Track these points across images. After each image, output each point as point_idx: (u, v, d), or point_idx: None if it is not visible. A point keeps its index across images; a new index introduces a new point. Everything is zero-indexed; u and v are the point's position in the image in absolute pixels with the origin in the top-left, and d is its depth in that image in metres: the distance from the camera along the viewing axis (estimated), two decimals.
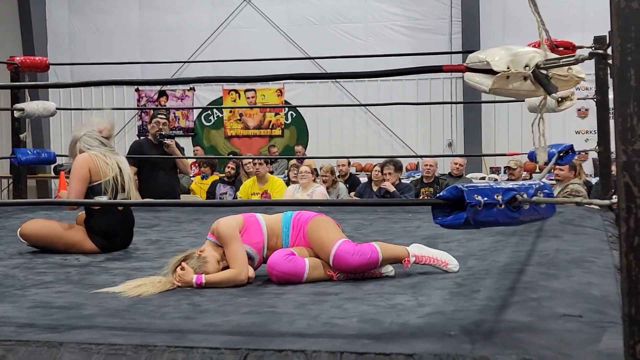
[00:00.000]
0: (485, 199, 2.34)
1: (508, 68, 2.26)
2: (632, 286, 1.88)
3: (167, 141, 7.17)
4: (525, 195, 2.37)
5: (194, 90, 14.01)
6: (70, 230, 4.55)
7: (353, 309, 2.99)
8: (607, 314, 2.76)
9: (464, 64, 2.39)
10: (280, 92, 13.79)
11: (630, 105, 1.82)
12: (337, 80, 13.47)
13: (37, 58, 6.71)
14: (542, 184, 2.43)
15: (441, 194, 2.42)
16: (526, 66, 2.28)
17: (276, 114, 13.94)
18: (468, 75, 2.37)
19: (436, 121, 13.45)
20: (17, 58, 6.47)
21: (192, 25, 13.74)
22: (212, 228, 3.69)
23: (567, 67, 2.31)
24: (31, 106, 6.48)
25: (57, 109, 6.73)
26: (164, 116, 7.49)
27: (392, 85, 13.23)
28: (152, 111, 13.84)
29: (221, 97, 13.90)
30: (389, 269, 3.64)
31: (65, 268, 4.04)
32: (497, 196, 2.35)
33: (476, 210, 2.34)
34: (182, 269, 3.52)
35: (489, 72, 2.30)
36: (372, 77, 2.63)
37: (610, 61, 1.89)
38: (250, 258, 3.63)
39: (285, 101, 13.67)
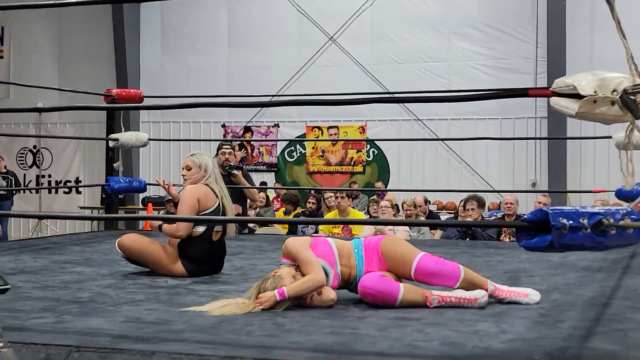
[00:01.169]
0: (571, 222, 2.35)
1: (595, 92, 2.28)
2: None
3: (235, 172, 7.35)
4: (611, 220, 2.36)
5: (278, 127, 14.27)
6: (164, 250, 4.68)
7: (435, 333, 3.01)
8: None
9: (551, 89, 2.42)
10: (363, 129, 13.91)
11: None
12: (420, 118, 13.49)
13: (132, 90, 7.01)
14: (629, 209, 2.42)
15: (526, 216, 2.44)
16: (614, 91, 2.29)
17: (358, 151, 14.04)
18: (554, 99, 2.40)
19: (520, 161, 13.28)
20: (114, 91, 6.78)
21: (277, 64, 14.05)
22: (283, 251, 3.78)
23: None
24: (125, 136, 6.77)
25: (149, 139, 6.99)
26: (229, 146, 7.67)
27: (475, 124, 13.16)
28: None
29: (304, 133, 14.10)
30: (482, 298, 3.59)
31: (155, 289, 4.18)
32: (583, 220, 2.35)
33: (561, 234, 2.35)
34: (260, 292, 3.58)
35: (576, 96, 2.32)
36: (451, 101, 2.68)
37: None
38: (324, 272, 3.67)
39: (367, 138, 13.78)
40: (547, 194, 9.66)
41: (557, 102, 2.39)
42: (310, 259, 3.65)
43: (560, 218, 2.35)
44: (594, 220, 2.36)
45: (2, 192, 11.72)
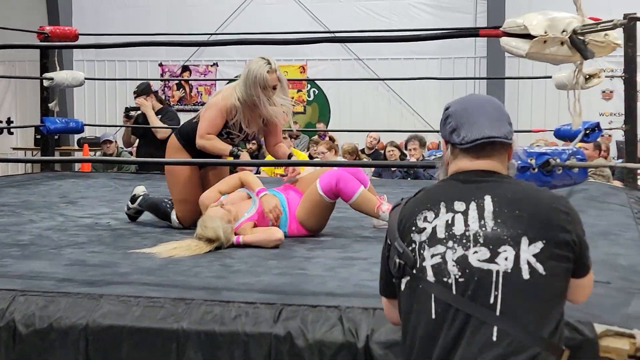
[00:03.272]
0: (519, 162, 2.37)
1: (545, 32, 2.29)
2: None
3: (131, 113, 7.08)
4: (558, 160, 2.40)
5: (217, 66, 14.04)
6: None
7: None
8: (635, 282, 2.79)
9: (501, 29, 2.41)
10: (303, 69, 13.79)
11: None
12: (360, 58, 13.44)
13: (66, 28, 6.78)
14: (575, 149, 2.46)
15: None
16: (563, 31, 2.30)
17: (299, 91, 13.94)
18: (505, 39, 2.40)
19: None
20: (47, 28, 6.54)
21: (216, 1, 13.76)
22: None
23: (604, 32, 2.33)
24: (60, 75, 6.57)
25: (85, 78, 6.80)
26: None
27: (415, 64, 13.19)
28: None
29: None
30: None
31: (97, 231, 4.11)
32: (531, 160, 2.38)
33: None
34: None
35: (527, 36, 2.32)
36: (401, 41, 2.66)
37: None
38: None
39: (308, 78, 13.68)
40: None
41: (508, 42, 2.39)
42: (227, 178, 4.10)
43: None
44: (542, 160, 2.40)
45: None
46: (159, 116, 6.82)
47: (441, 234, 1.77)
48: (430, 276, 1.75)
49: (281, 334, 2.30)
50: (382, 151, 10.75)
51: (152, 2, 14.14)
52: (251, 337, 2.30)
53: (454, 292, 1.72)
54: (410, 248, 1.79)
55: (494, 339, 1.66)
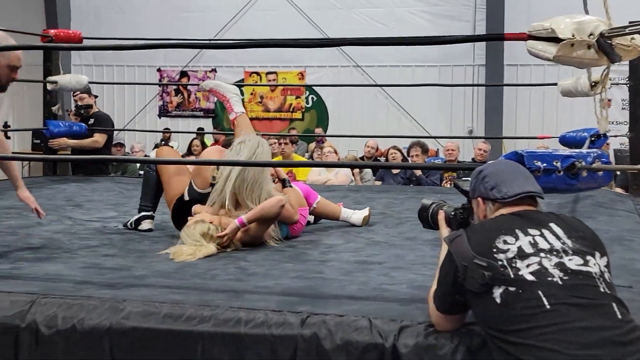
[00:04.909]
0: (545, 164, 2.38)
1: (573, 36, 2.29)
2: None
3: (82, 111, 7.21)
4: (583, 163, 2.40)
5: (216, 72, 14.04)
6: None
7: (400, 276, 3.04)
8: None
9: (527, 32, 2.41)
10: (302, 75, 13.80)
11: None
12: (359, 65, 13.46)
13: (70, 31, 6.75)
14: (600, 152, 2.46)
15: (501, 157, 2.46)
16: (590, 34, 2.30)
17: (297, 97, 13.95)
18: (530, 43, 2.40)
19: (457, 108, 13.42)
20: (52, 31, 6.51)
21: (214, 8, 13.76)
22: None
23: (631, 36, 2.33)
24: (64, 79, 6.54)
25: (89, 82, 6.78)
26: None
27: (414, 71, 13.21)
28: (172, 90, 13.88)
29: (243, 79, 13.91)
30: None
31: (107, 234, 4.09)
32: (556, 163, 2.39)
33: (535, 176, 2.37)
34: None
35: (553, 40, 2.32)
36: (400, 44, 2.66)
37: None
38: None
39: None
40: (486, 140, 9.78)
41: (534, 46, 2.39)
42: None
43: (535, 161, 2.38)
44: (567, 163, 2.40)
45: None
46: (92, 120, 7.05)
47: (528, 250, 2.04)
48: (532, 279, 1.98)
49: (307, 334, 2.28)
50: (381, 158, 10.79)
51: (150, 8, 14.15)
52: (278, 338, 2.29)
53: (563, 287, 1.97)
54: (498, 264, 2.03)
55: (619, 316, 1.95)
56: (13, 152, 13.74)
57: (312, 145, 11.87)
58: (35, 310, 2.47)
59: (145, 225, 4.25)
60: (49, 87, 6.63)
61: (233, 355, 2.31)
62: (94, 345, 2.39)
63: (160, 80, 14.15)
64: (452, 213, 2.49)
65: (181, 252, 3.42)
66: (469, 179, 2.38)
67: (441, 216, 2.54)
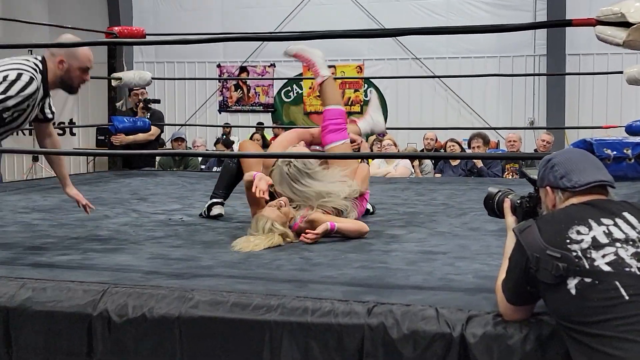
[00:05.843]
0: (615, 152, 2.33)
1: None
2: None
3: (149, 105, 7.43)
4: None
5: (275, 66, 14.11)
6: None
7: (466, 266, 3.02)
8: None
9: (595, 17, 2.37)
10: (360, 69, 13.77)
11: None
12: (418, 57, 13.37)
13: (134, 28, 6.87)
14: None
15: (570, 146, 2.43)
16: None
17: (355, 91, 13.93)
18: (599, 28, 2.35)
19: (518, 99, 13.22)
20: (116, 28, 6.64)
21: (272, 3, 13.83)
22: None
23: None
24: (128, 75, 6.66)
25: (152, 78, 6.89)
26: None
27: (473, 62, 13.06)
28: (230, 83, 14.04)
29: (301, 73, 13.95)
30: None
31: (172, 226, 4.15)
32: (627, 150, 2.34)
33: (605, 164, 2.33)
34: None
35: (623, 24, 2.27)
36: (456, 33, 2.63)
37: None
38: None
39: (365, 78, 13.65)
40: (549, 131, 9.62)
41: (603, 31, 2.34)
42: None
43: (605, 149, 2.34)
44: (638, 151, 2.34)
45: None
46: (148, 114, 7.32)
47: (603, 240, 2.00)
48: (608, 269, 1.95)
49: (374, 323, 2.29)
50: (442, 150, 10.69)
51: (209, 4, 14.27)
52: (344, 327, 2.30)
53: None
54: (572, 255, 2.00)
55: None
56: (77, 149, 14.11)
57: (372, 138, 11.84)
58: (107, 300, 2.53)
59: (216, 210, 4.38)
60: (114, 83, 6.76)
61: (300, 344, 2.33)
62: (163, 333, 2.44)
63: (220, 76, 14.28)
64: (518, 201, 2.46)
65: (247, 243, 3.46)
66: (536, 167, 2.35)
67: (507, 204, 2.51)
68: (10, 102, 3.38)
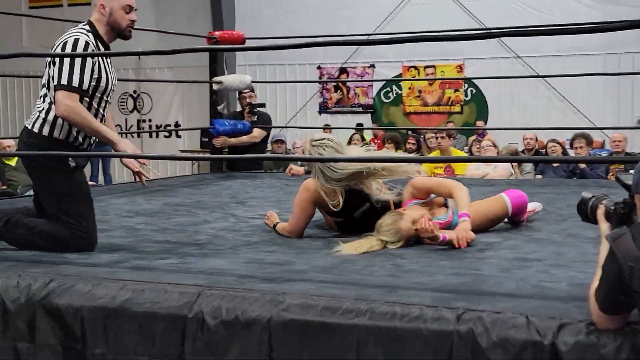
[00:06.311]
0: None
1: None
2: None
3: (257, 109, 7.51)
4: None
5: (374, 67, 14.13)
6: None
7: (560, 274, 2.97)
8: None
9: None
10: (461, 68, 13.62)
11: None
12: (520, 56, 13.11)
13: (234, 32, 7.03)
14: None
15: None
16: None
17: (456, 90, 13.78)
18: None
19: (625, 98, 12.79)
20: (217, 33, 6.81)
21: (372, 3, 13.83)
22: (409, 191, 3.84)
23: None
24: (229, 79, 6.83)
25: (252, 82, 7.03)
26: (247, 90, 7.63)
27: (577, 61, 12.68)
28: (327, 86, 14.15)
29: (401, 74, 13.92)
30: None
31: (268, 232, 4.18)
32: None
33: None
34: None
35: None
36: (596, 32, 2.58)
37: None
38: None
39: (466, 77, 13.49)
40: None
41: None
42: (441, 180, 4.03)
43: None
44: None
45: None
46: (255, 117, 7.42)
47: None
48: None
49: (463, 330, 2.29)
50: (543, 150, 10.46)
51: (309, 5, 14.41)
52: (433, 333, 2.31)
53: None
54: None
55: None
56: (182, 151, 14.51)
57: (472, 138, 11.70)
58: (202, 302, 2.61)
59: None
60: (215, 87, 6.95)
61: (388, 349, 2.35)
62: (255, 335, 2.51)
63: (320, 78, 14.40)
64: (612, 207, 2.40)
65: (349, 246, 3.51)
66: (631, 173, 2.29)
67: (601, 210, 2.46)
68: (77, 67, 3.45)
